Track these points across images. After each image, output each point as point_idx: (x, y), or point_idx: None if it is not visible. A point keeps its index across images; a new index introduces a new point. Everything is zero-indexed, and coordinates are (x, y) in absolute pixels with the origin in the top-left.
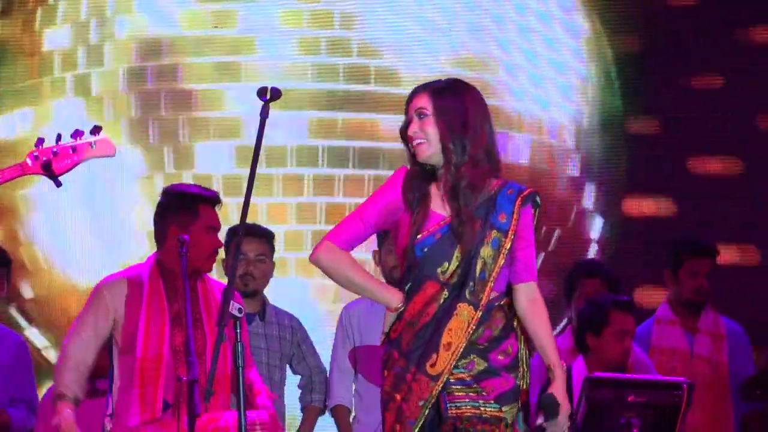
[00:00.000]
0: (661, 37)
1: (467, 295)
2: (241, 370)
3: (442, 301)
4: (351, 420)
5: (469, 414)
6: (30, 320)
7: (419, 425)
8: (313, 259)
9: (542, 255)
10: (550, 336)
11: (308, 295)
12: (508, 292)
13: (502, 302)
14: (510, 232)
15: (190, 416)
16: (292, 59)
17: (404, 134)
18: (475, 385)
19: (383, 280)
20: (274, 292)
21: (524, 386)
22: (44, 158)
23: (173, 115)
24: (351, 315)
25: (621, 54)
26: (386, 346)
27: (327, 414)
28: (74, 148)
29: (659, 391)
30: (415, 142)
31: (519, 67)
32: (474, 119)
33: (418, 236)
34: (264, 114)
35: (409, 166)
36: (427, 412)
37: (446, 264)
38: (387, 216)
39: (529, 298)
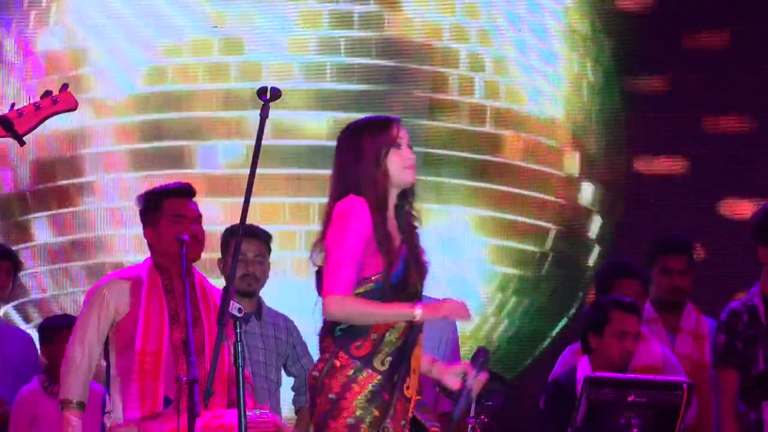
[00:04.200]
0: (661, 36)
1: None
2: (241, 369)
3: (405, 326)
4: None
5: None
6: (28, 320)
7: None
8: (329, 317)
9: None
10: None
11: (308, 296)
12: None
13: None
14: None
15: (190, 416)
16: (295, 59)
17: (383, 168)
18: (425, 405)
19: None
20: (274, 293)
21: None
22: (8, 120)
23: (172, 118)
24: None
25: (621, 53)
26: (351, 361)
27: None
28: (38, 106)
29: (659, 391)
30: (413, 168)
31: (518, 68)
32: None
33: (392, 270)
34: (264, 114)
35: (374, 192)
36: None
37: (408, 291)
38: (366, 250)
39: None
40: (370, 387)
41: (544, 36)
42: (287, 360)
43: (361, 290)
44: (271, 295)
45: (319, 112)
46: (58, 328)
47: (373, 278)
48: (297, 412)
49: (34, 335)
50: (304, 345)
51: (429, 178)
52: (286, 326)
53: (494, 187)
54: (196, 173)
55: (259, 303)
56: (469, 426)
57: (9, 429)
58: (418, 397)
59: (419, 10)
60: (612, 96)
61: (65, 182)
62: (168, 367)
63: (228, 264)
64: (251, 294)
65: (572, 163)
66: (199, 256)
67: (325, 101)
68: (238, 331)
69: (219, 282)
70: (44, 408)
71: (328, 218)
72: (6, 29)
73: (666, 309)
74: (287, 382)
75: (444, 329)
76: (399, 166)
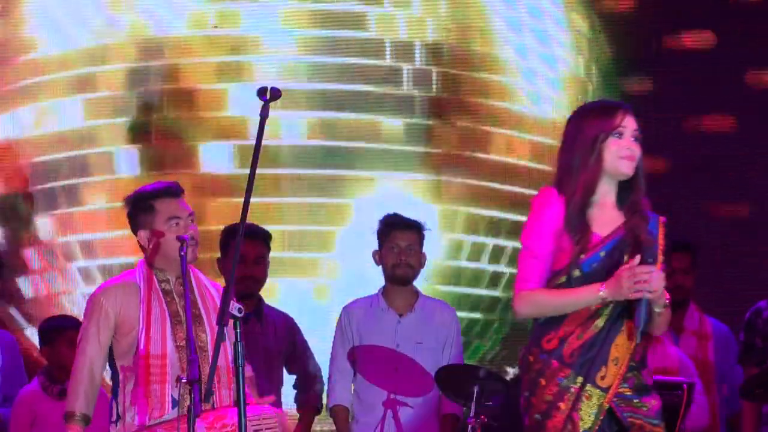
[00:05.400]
0: (660, 35)
1: (630, 313)
2: (241, 369)
3: (607, 315)
4: (350, 420)
5: (640, 425)
6: (29, 320)
7: None
8: (518, 316)
9: None
10: None
11: (310, 296)
12: None
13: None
14: (659, 258)
15: (190, 416)
16: (296, 58)
17: (597, 152)
18: (637, 400)
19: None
20: (275, 292)
21: None
22: None
23: (175, 115)
24: (350, 315)
25: (620, 52)
26: (540, 355)
27: (324, 413)
28: None
29: (659, 391)
30: (631, 160)
31: (518, 67)
32: None
33: (582, 255)
34: (264, 114)
35: (583, 177)
36: (599, 421)
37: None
38: (554, 241)
39: None
40: (557, 380)
41: (544, 37)
42: (288, 358)
43: (557, 282)
44: (272, 294)
45: (308, 112)
46: (57, 329)
47: (562, 269)
48: (299, 410)
49: (34, 336)
50: (305, 343)
51: (428, 178)
52: (287, 325)
53: (494, 186)
54: (194, 173)
55: (259, 302)
56: (469, 426)
57: (9, 429)
58: (624, 390)
59: (413, 10)
60: (611, 96)
61: (62, 183)
62: (173, 368)
63: (227, 264)
64: (251, 295)
65: None
66: (196, 257)
67: (316, 101)
68: (238, 331)
69: (219, 282)
70: (44, 408)
71: None
72: None
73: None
74: (288, 380)
75: (448, 331)
76: (614, 154)
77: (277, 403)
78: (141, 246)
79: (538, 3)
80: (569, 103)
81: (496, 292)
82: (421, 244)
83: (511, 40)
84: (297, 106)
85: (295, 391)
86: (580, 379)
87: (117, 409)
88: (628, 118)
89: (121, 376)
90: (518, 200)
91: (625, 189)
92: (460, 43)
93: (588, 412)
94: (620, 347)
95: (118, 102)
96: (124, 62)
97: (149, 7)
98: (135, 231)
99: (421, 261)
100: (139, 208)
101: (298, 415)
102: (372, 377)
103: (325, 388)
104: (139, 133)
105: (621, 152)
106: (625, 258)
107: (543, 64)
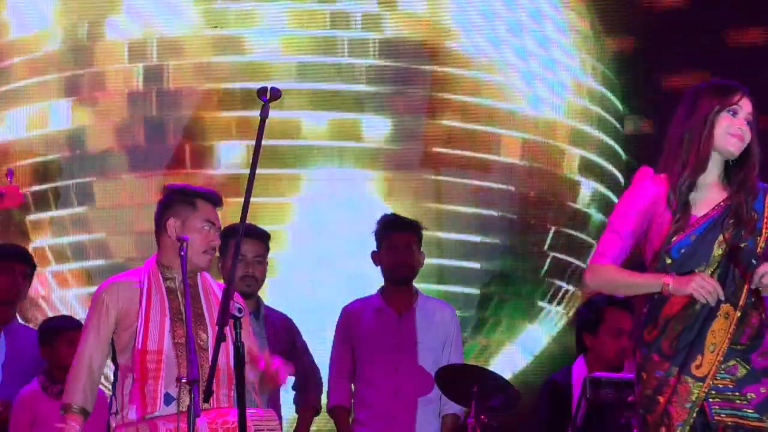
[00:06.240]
0: (657, 36)
1: (728, 295)
2: (240, 370)
3: (694, 302)
4: (350, 420)
5: (732, 423)
6: (27, 321)
7: (687, 428)
8: (586, 287)
9: (550, 256)
10: None
11: (308, 295)
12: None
13: (754, 299)
14: (764, 231)
15: (190, 416)
16: (306, 59)
17: (710, 125)
18: (733, 393)
19: (385, 281)
20: (276, 293)
21: None
22: None
23: (193, 115)
24: (349, 316)
25: (619, 53)
26: (642, 348)
27: (324, 413)
28: None
29: None
30: (739, 139)
31: (515, 67)
32: None
33: (674, 238)
34: (264, 114)
35: (696, 149)
36: (695, 414)
37: (704, 265)
38: (641, 220)
39: None
40: (656, 374)
41: (544, 38)
42: (287, 359)
43: (654, 269)
44: (271, 294)
45: (318, 113)
46: (57, 330)
47: (655, 255)
48: (298, 411)
49: None
50: (304, 343)
51: (429, 177)
52: (286, 325)
53: (494, 186)
54: (195, 173)
55: (258, 303)
56: (469, 426)
57: (9, 430)
58: (722, 381)
59: (418, 11)
60: (612, 95)
61: (64, 183)
62: (169, 365)
63: (227, 264)
64: (250, 294)
65: (572, 163)
66: (209, 265)
67: (324, 101)
68: (238, 331)
69: (221, 282)
70: (44, 409)
71: None
72: None
73: None
74: (288, 381)
75: (447, 331)
76: (725, 129)
77: (275, 405)
78: (157, 240)
79: (537, 4)
80: (568, 104)
81: (462, 288)
82: (419, 244)
83: (509, 41)
84: (301, 106)
85: (295, 391)
86: (675, 370)
87: (116, 404)
88: (745, 100)
89: (119, 374)
90: (513, 199)
91: (732, 169)
92: (452, 42)
93: (684, 406)
94: (717, 333)
95: (117, 103)
96: (127, 63)
97: (149, 6)
98: (163, 219)
99: (420, 260)
100: (181, 198)
101: (297, 415)
102: (372, 377)
103: (325, 388)
104: (140, 133)
105: (731, 129)
106: (720, 237)
107: (541, 66)
